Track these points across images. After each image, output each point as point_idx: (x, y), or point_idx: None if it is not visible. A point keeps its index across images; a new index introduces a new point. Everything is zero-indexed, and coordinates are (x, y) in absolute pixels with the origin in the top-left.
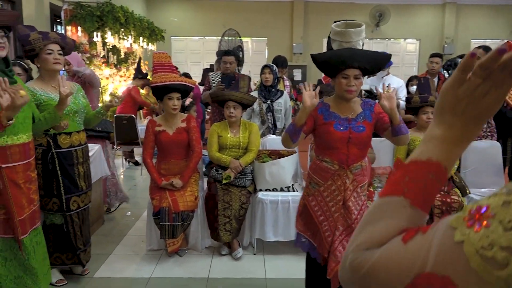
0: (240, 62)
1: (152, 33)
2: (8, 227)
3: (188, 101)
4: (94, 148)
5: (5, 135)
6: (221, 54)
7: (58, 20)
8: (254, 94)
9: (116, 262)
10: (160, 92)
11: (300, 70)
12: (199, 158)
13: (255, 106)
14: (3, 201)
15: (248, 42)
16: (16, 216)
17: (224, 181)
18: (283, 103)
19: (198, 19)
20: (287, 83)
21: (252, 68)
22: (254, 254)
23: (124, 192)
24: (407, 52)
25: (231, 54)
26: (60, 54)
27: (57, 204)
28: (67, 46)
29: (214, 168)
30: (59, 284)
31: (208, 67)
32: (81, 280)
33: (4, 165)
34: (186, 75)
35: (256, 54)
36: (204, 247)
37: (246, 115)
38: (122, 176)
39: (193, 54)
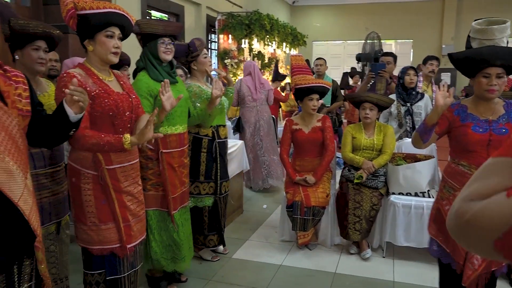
0: None
1: (295, 38)
2: (164, 202)
3: (319, 102)
4: (237, 143)
5: (166, 125)
6: (365, 58)
7: (213, 29)
8: (392, 96)
9: (252, 248)
10: (302, 93)
11: (449, 73)
12: (332, 157)
13: (393, 108)
14: (162, 180)
15: (391, 45)
16: (170, 194)
17: (355, 181)
18: (423, 106)
19: (340, 23)
20: (436, 88)
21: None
22: (384, 257)
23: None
24: None
25: (389, 54)
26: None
27: (212, 188)
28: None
29: (347, 168)
30: (215, 260)
31: (349, 70)
32: (222, 259)
33: (164, 150)
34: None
35: (400, 56)
36: (333, 244)
37: (383, 117)
38: None
39: (334, 58)
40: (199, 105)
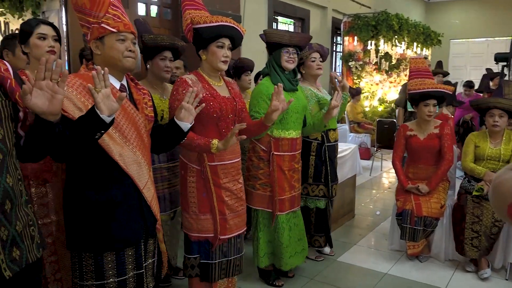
0: None
1: (427, 37)
2: (271, 203)
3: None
4: (351, 147)
5: (279, 128)
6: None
7: (338, 32)
8: None
9: (358, 252)
10: (418, 98)
11: None
12: (449, 166)
13: None
14: (270, 181)
15: None
16: (277, 195)
17: (474, 193)
18: None
19: (483, 18)
20: None
21: None
22: (506, 279)
23: None
24: None
25: None
26: (321, 61)
27: (323, 191)
28: (325, 55)
29: (466, 178)
30: (318, 259)
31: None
32: (327, 260)
33: (275, 153)
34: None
35: None
36: (447, 259)
37: None
38: (381, 179)
39: (475, 58)
40: (311, 108)
